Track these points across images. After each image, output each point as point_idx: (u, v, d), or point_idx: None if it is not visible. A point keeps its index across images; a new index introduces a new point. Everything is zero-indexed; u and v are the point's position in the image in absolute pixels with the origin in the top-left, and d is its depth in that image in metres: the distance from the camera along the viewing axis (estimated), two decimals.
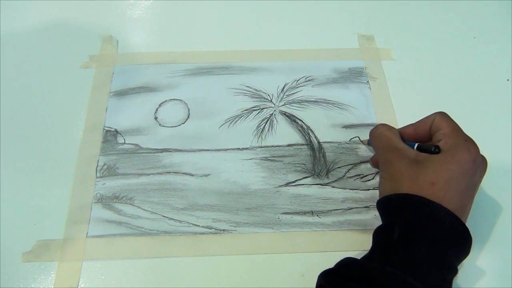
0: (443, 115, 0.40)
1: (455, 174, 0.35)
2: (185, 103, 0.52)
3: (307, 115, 0.52)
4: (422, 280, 0.32)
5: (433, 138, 0.39)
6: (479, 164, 0.37)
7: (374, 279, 0.32)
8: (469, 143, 0.37)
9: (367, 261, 0.35)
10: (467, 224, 0.35)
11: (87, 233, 0.43)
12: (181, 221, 0.44)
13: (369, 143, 0.48)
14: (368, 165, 0.48)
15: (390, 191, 0.37)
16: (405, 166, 0.37)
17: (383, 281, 0.31)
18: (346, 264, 0.34)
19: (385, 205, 0.38)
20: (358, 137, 0.50)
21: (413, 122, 0.42)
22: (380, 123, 0.43)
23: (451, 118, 0.40)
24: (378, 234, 0.37)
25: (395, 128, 0.42)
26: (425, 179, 0.35)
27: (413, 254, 0.33)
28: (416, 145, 0.39)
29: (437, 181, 0.35)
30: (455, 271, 0.35)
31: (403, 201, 0.36)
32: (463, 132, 0.39)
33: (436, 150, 0.37)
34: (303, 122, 0.51)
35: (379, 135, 0.41)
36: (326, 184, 0.47)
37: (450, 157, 0.36)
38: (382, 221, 0.39)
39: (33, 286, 0.41)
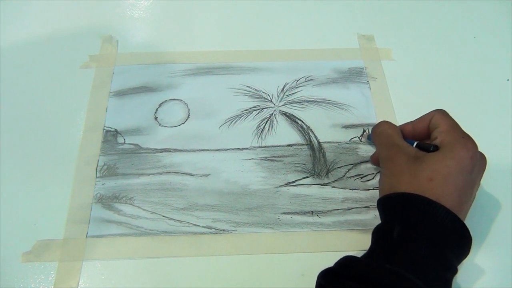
0: (441, 112, 0.40)
1: (453, 170, 0.35)
2: (185, 103, 0.52)
3: (307, 115, 0.52)
4: (422, 278, 0.32)
5: (431, 136, 0.40)
6: (477, 160, 0.37)
7: (375, 278, 0.32)
8: (467, 140, 0.37)
9: (367, 260, 0.35)
10: (467, 224, 0.35)
11: (87, 233, 0.43)
12: (181, 221, 0.44)
13: (369, 138, 0.48)
14: (368, 165, 0.48)
15: (389, 187, 0.37)
16: (405, 163, 0.37)
17: (383, 279, 0.31)
18: (346, 263, 0.34)
19: (384, 203, 0.38)
20: (358, 137, 0.50)
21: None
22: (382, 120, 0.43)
23: (449, 116, 0.40)
24: (377, 233, 0.37)
25: (397, 126, 0.42)
26: (423, 175, 0.36)
27: (413, 252, 0.33)
28: (415, 143, 0.39)
29: (435, 177, 0.35)
30: (454, 271, 0.35)
31: (402, 199, 0.36)
32: (461, 129, 0.39)
33: (434, 149, 0.38)
34: (303, 122, 0.51)
35: (381, 132, 0.41)
36: (326, 184, 0.47)
37: (447, 153, 0.36)
38: (382, 219, 0.39)
39: (33, 286, 0.41)
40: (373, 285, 0.31)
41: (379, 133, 0.42)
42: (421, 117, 0.41)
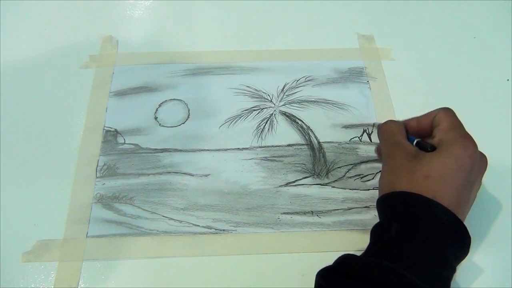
0: (445, 111, 0.40)
1: (450, 169, 0.36)
2: (185, 103, 0.52)
3: (307, 115, 0.52)
4: (420, 276, 0.32)
5: (432, 133, 0.40)
6: (476, 160, 0.37)
7: (373, 275, 0.32)
8: (466, 139, 0.37)
9: (366, 258, 0.35)
10: (466, 224, 0.35)
11: (87, 233, 0.43)
12: (181, 221, 0.44)
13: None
14: (368, 165, 0.48)
15: (388, 184, 0.38)
16: (404, 160, 0.38)
17: (382, 277, 0.32)
18: (344, 261, 0.34)
19: (383, 202, 0.38)
20: (358, 137, 0.50)
21: None
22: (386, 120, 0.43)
23: (453, 114, 0.40)
24: (376, 231, 0.37)
25: (402, 124, 0.42)
26: (420, 173, 0.36)
27: (411, 250, 0.33)
28: (415, 141, 0.40)
29: (431, 175, 0.35)
30: (453, 270, 0.35)
31: (401, 198, 0.36)
32: (462, 128, 0.39)
33: (432, 150, 0.38)
34: (303, 122, 0.51)
35: (386, 130, 0.42)
36: (326, 184, 0.47)
37: (444, 152, 0.37)
38: (380, 218, 0.39)
39: (33, 286, 0.41)
40: (371, 283, 0.31)
41: (383, 131, 0.42)
42: (426, 113, 0.42)
